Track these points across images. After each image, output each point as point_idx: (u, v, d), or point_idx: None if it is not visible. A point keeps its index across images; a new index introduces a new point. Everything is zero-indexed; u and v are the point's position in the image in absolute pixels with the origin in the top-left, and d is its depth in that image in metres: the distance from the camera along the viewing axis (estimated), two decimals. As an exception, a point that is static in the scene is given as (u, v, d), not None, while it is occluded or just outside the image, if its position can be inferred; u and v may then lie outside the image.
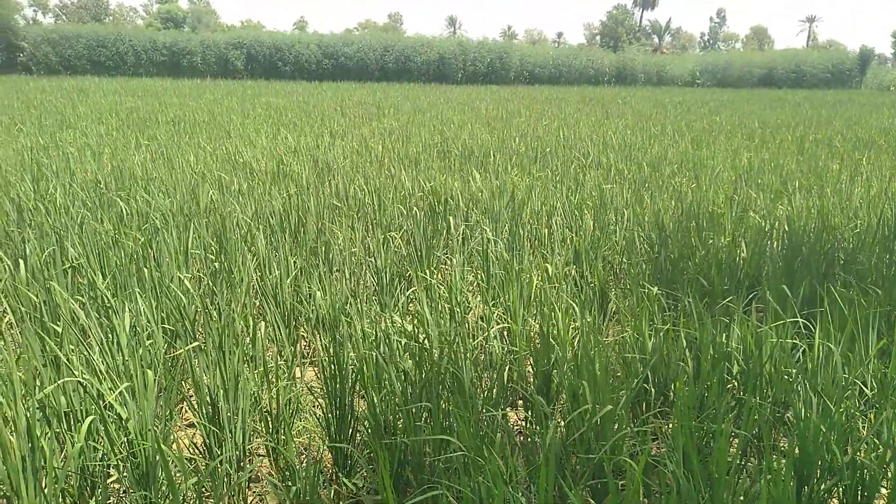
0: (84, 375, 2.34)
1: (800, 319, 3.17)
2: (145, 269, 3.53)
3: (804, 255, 4.13)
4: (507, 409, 2.97)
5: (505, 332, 3.37)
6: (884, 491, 2.22)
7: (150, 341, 2.86)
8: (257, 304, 3.80)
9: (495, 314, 3.41)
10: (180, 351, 2.78)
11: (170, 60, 36.57)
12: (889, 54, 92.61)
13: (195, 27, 71.50)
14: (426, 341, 2.93)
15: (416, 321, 3.22)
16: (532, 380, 3.02)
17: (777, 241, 4.67)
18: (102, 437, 2.26)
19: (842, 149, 10.40)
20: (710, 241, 4.50)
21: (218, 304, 3.34)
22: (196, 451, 2.55)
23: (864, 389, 2.75)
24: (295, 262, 4.00)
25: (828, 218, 5.09)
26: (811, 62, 46.39)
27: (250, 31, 47.13)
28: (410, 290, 3.89)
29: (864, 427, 2.60)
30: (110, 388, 2.39)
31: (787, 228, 4.72)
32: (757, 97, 28.33)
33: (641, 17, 79.29)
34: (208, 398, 2.46)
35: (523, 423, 2.89)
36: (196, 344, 2.70)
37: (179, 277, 3.57)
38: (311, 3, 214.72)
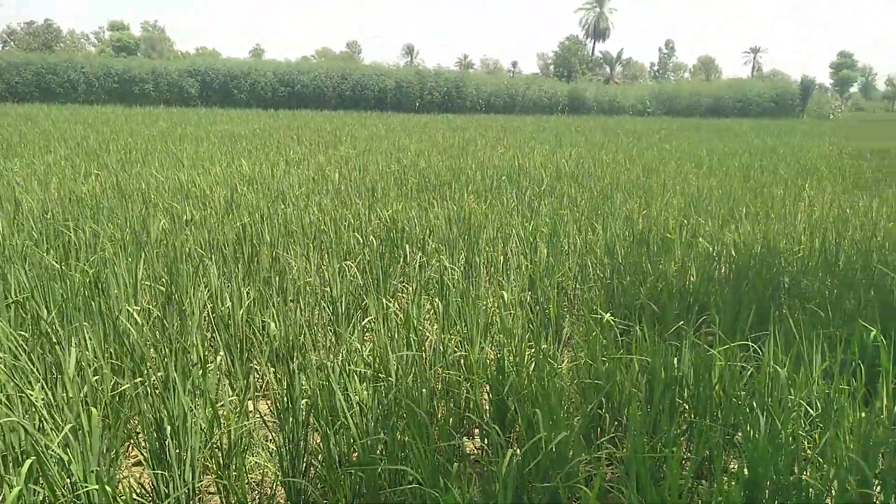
0: (25, 414, 2.26)
1: (749, 342, 3.25)
2: (93, 302, 3.44)
3: (751, 280, 4.25)
4: (464, 439, 2.96)
5: (461, 360, 3.38)
6: (830, 510, 2.28)
7: (96, 377, 2.78)
8: (209, 336, 3.73)
9: (452, 342, 3.42)
10: (126, 386, 2.71)
11: (122, 88, 35.98)
12: (828, 84, 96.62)
13: (149, 54, 70.71)
14: (382, 371, 2.91)
15: (372, 351, 3.20)
16: (488, 407, 3.03)
17: (725, 265, 4.79)
18: (43, 480, 2.18)
19: (786, 175, 10.77)
20: (661, 267, 4.60)
21: (168, 336, 3.27)
22: (143, 491, 2.48)
23: (810, 410, 2.83)
24: (248, 293, 3.95)
25: (773, 243, 5.26)
26: (756, 91, 48.09)
27: (205, 58, 46.77)
28: (367, 320, 3.87)
29: (809, 447, 2.66)
30: (52, 428, 2.31)
31: (734, 254, 4.85)
32: (705, 126, 29.20)
33: (594, 47, 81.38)
34: (156, 435, 2.40)
35: (479, 452, 2.89)
36: (142, 379, 2.63)
37: (129, 310, 3.49)
38: (267, 31, 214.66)
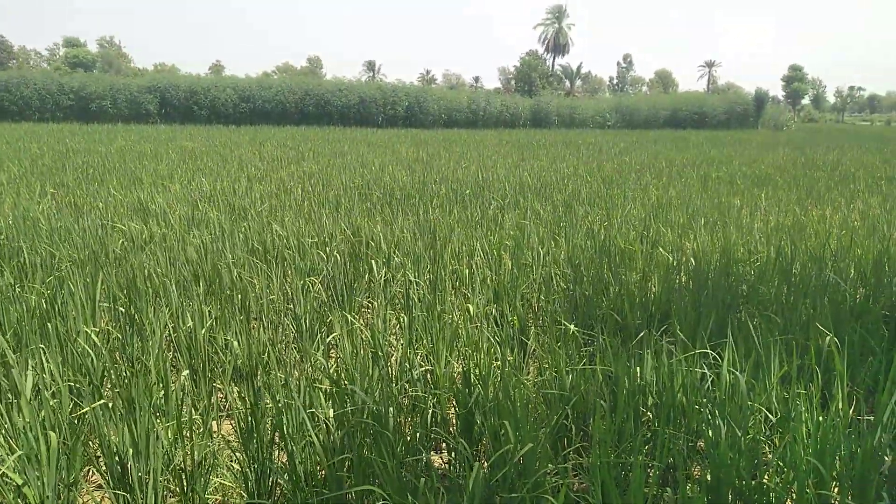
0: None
1: (709, 350, 3.31)
2: (49, 324, 3.36)
3: (710, 288, 4.33)
4: (432, 454, 2.96)
5: (428, 375, 3.37)
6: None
7: (55, 400, 2.71)
8: (171, 356, 3.67)
9: (418, 356, 3.41)
10: (86, 409, 2.65)
11: (78, 105, 35.26)
12: (781, 96, 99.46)
13: (106, 71, 69.54)
14: (347, 388, 2.89)
15: (337, 367, 3.18)
16: (455, 421, 3.02)
17: (685, 275, 4.88)
18: (-2, 508, 2.12)
19: (742, 185, 11.04)
20: (623, 277, 4.67)
21: (128, 357, 3.21)
22: (104, 515, 2.42)
23: (769, 415, 2.89)
24: (210, 312, 3.90)
25: (731, 251, 5.37)
26: (712, 104, 49.29)
27: (164, 74, 46.13)
28: (331, 336, 3.84)
29: (769, 451, 2.72)
30: (8, 453, 2.24)
31: (693, 262, 4.95)
32: (663, 138, 29.78)
33: (553, 62, 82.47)
34: (117, 458, 2.35)
35: (447, 466, 2.88)
36: (103, 401, 2.58)
37: (87, 331, 3.42)
38: (226, 47, 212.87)
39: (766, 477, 2.32)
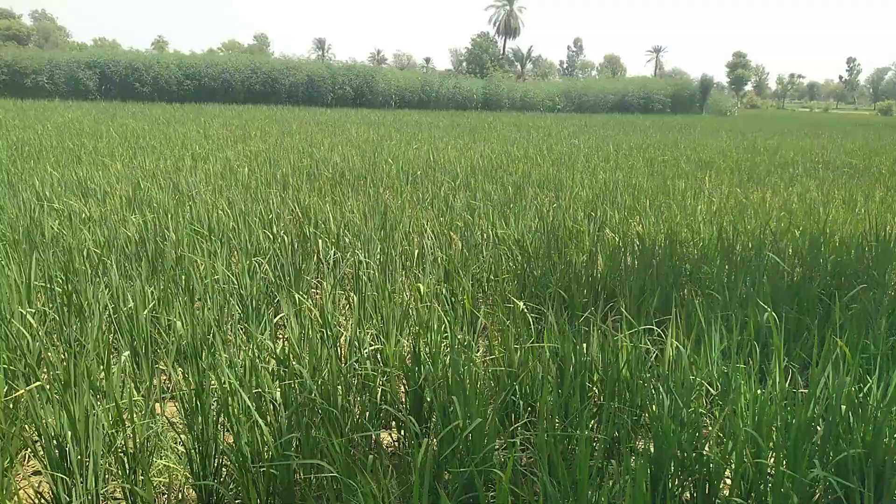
0: None
1: (654, 327, 3.39)
2: (-20, 306, 3.22)
3: (655, 267, 4.42)
4: (381, 431, 2.95)
5: (378, 354, 3.36)
6: (728, 482, 2.40)
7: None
8: (112, 337, 3.56)
9: (368, 336, 3.39)
10: (20, 392, 2.55)
11: (12, 80, 33.74)
12: (725, 82, 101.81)
13: (41, 45, 66.62)
14: (296, 367, 2.86)
15: (285, 348, 3.14)
16: (405, 399, 3.03)
17: (631, 255, 4.97)
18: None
19: (687, 169, 11.28)
20: (571, 258, 4.73)
21: (65, 339, 3.10)
22: (43, 500, 2.34)
23: (710, 389, 2.98)
24: (152, 293, 3.79)
25: (675, 233, 5.50)
26: (658, 89, 50.17)
27: (105, 49, 44.42)
28: (278, 317, 3.79)
29: (710, 424, 2.80)
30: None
31: (638, 244, 5.04)
32: (611, 122, 30.20)
33: (504, 45, 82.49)
34: (55, 442, 2.27)
35: (397, 444, 2.88)
36: (38, 384, 2.49)
37: (21, 312, 3.29)
38: (170, 22, 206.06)
39: (706, 448, 2.40)
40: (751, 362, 3.00)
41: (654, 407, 2.57)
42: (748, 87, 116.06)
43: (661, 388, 2.64)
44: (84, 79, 34.99)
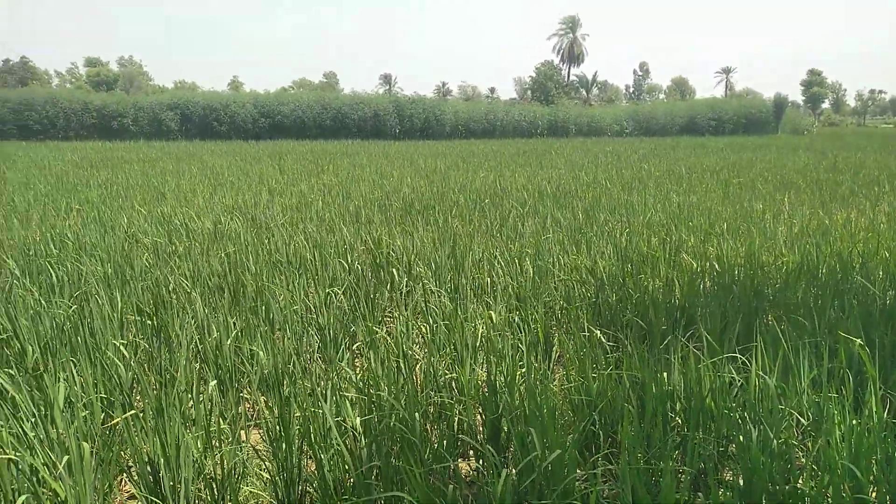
0: (16, 451, 2.22)
1: (737, 355, 3.27)
2: (78, 337, 3.40)
3: (735, 293, 4.29)
4: (459, 461, 2.95)
5: (452, 382, 3.37)
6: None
7: (86, 412, 2.74)
8: (198, 367, 3.70)
9: (443, 364, 3.41)
10: (117, 420, 2.68)
11: (101, 123, 35.85)
12: (800, 101, 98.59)
13: (127, 89, 70.65)
14: (374, 394, 2.90)
15: (362, 376, 3.19)
16: (482, 428, 3.02)
17: (709, 280, 4.83)
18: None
19: (764, 190, 10.93)
20: (647, 283, 4.63)
21: (157, 368, 3.24)
22: (136, 524, 2.44)
23: (801, 419, 2.85)
24: (235, 323, 3.93)
25: (756, 256, 5.32)
26: (730, 110, 48.99)
27: (184, 91, 46.74)
28: (355, 346, 3.85)
29: (802, 455, 2.68)
30: (44, 464, 2.27)
31: (717, 268, 4.90)
32: (681, 144, 29.61)
33: (569, 71, 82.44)
34: (148, 468, 2.37)
35: (475, 474, 2.87)
36: (133, 412, 2.61)
37: (115, 344, 3.46)
38: (244, 64, 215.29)
39: (800, 481, 2.29)
40: (843, 391, 2.86)
41: (741, 437, 2.48)
42: (825, 105, 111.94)
43: (747, 418, 2.55)
44: (166, 120, 36.80)
